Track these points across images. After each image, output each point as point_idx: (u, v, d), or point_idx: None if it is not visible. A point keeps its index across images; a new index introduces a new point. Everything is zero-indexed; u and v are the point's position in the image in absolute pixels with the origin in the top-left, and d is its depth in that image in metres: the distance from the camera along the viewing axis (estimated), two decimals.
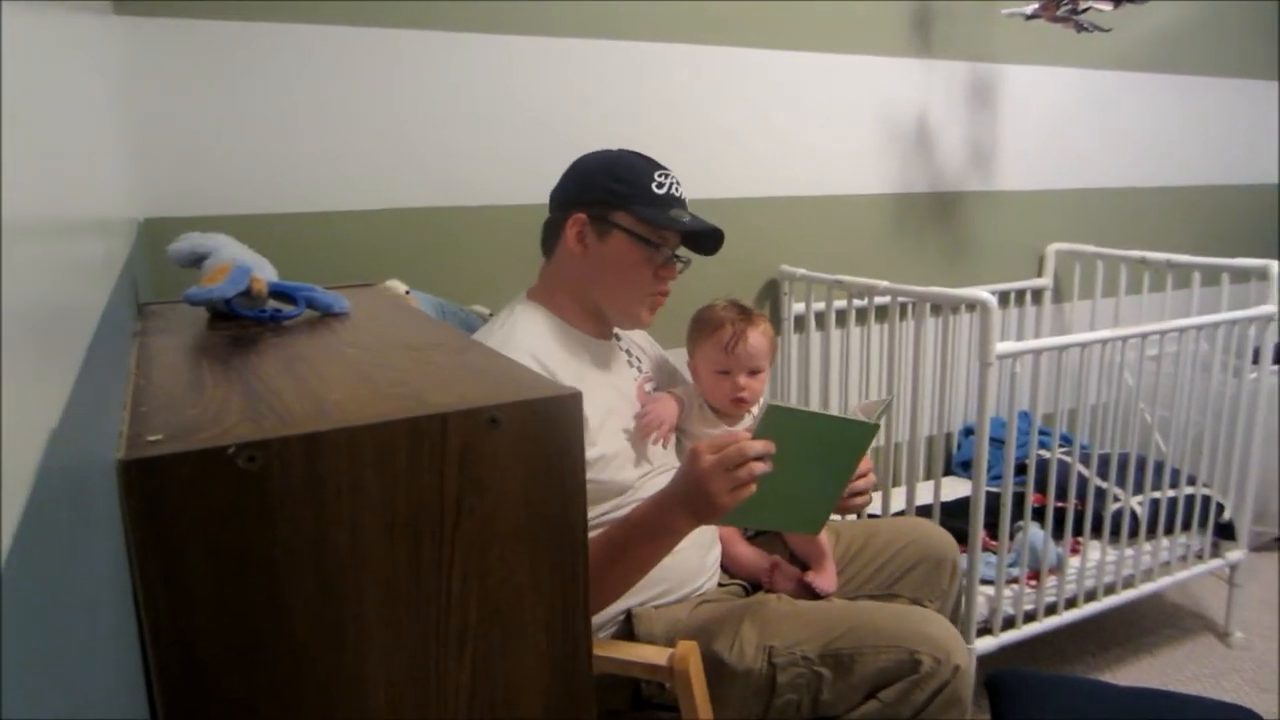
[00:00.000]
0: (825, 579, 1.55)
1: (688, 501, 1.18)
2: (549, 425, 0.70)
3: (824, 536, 1.59)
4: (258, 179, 1.71)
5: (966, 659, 1.36)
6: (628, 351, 1.61)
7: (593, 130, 1.99)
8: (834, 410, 1.28)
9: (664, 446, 1.54)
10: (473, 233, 1.90)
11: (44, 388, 0.46)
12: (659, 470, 1.49)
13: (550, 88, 1.95)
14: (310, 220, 1.76)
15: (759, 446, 1.16)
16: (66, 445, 0.47)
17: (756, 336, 1.59)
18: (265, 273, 1.05)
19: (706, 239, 1.50)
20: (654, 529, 1.24)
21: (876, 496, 2.31)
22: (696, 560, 1.49)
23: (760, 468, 1.16)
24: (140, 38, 1.58)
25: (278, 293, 1.03)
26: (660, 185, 1.45)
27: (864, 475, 1.35)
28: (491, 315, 1.72)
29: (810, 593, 1.54)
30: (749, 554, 1.62)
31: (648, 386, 1.61)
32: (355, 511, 0.64)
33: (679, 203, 1.48)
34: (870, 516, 1.92)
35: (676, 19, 2.05)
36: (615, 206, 1.43)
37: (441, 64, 1.83)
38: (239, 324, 1.01)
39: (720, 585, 1.55)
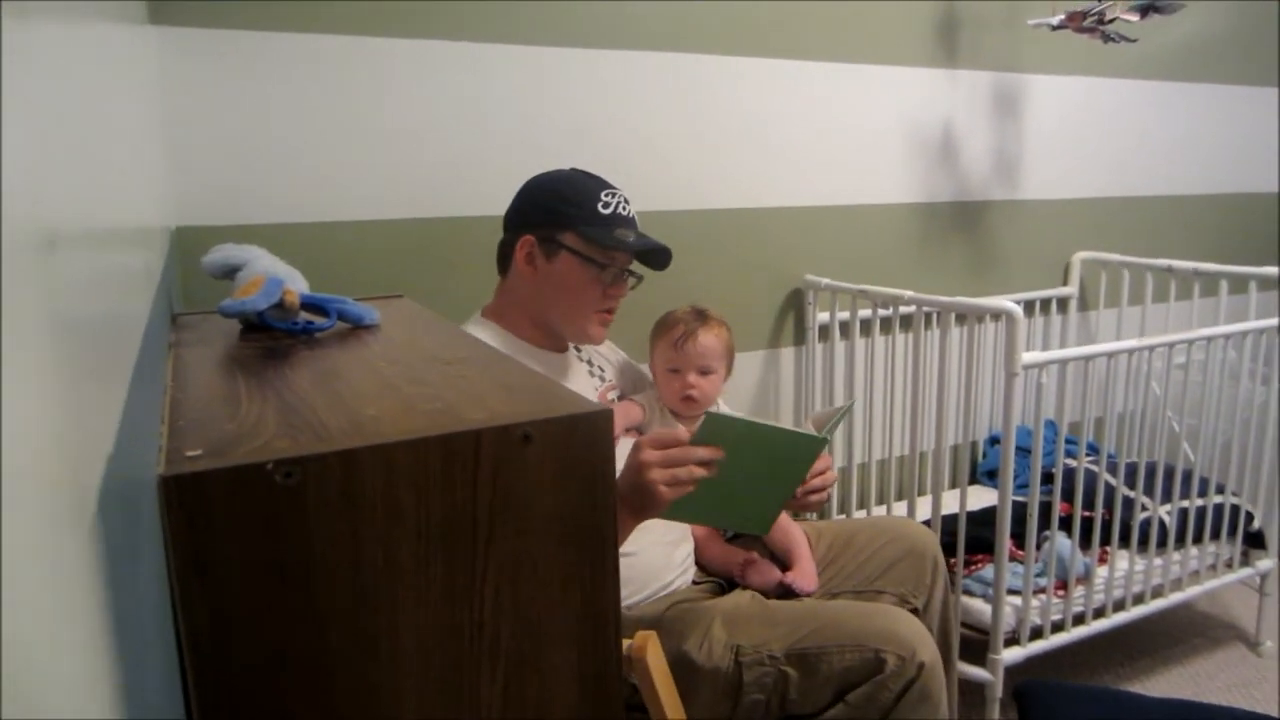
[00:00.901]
0: (804, 578, 1.56)
1: (627, 493, 1.20)
2: (581, 441, 0.70)
3: (801, 535, 1.61)
4: (289, 187, 1.73)
5: (933, 655, 1.36)
6: (589, 362, 1.65)
7: (626, 140, 2.00)
8: (774, 422, 1.28)
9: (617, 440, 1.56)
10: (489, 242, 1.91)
11: (101, 409, 0.48)
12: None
13: (583, 98, 1.96)
14: (340, 229, 1.77)
15: (702, 452, 1.17)
16: (120, 466, 0.49)
17: (707, 336, 1.63)
18: (297, 285, 1.06)
19: (656, 256, 1.52)
20: None
21: (902, 505, 2.32)
22: (662, 557, 1.52)
23: (700, 471, 1.18)
24: (174, 47, 1.61)
25: (310, 305, 1.04)
26: (606, 205, 1.47)
27: (821, 473, 1.35)
28: None
29: (790, 592, 1.55)
30: (725, 552, 1.64)
31: (611, 395, 1.65)
32: (390, 526, 0.65)
33: (626, 221, 1.50)
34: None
35: (700, 29, 2.06)
36: (562, 227, 1.46)
37: (477, 74, 1.84)
38: (271, 336, 1.02)
39: (695, 583, 1.58)
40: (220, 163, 1.67)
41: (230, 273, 1.10)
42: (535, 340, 1.53)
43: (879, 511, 2.34)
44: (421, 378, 0.83)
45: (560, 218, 1.46)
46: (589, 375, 1.62)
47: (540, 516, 0.70)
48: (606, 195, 1.48)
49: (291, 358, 0.93)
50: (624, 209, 1.50)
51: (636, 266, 1.54)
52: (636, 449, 1.20)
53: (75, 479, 0.36)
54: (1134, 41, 2.18)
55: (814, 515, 2.00)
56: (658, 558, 1.51)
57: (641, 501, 1.19)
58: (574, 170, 1.55)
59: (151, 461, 0.62)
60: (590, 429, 0.71)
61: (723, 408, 1.70)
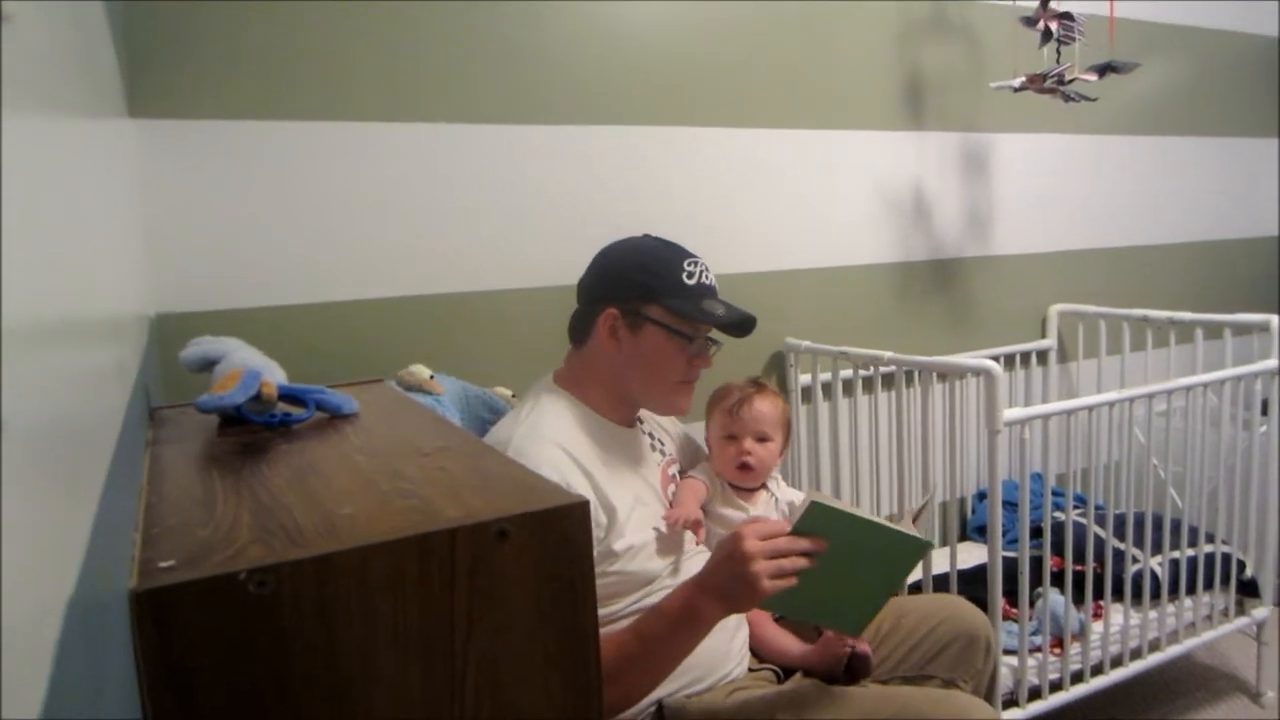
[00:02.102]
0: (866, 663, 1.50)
1: (724, 584, 1.16)
2: (558, 535, 0.70)
3: None
4: (267, 272, 1.74)
5: None
6: (650, 435, 1.61)
7: (600, 213, 2.02)
8: (878, 518, 1.26)
9: (697, 543, 1.51)
10: (490, 316, 1.93)
11: (71, 520, 0.47)
12: (688, 556, 1.48)
13: (559, 174, 1.99)
14: (318, 311, 1.78)
15: (806, 544, 1.15)
16: (89, 579, 0.48)
17: (763, 402, 1.60)
18: (275, 376, 1.06)
19: (741, 324, 1.50)
20: (685, 615, 1.22)
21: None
22: (724, 645, 1.45)
23: (803, 563, 1.15)
24: (152, 138, 1.63)
25: (287, 396, 1.04)
26: (690, 275, 1.45)
27: None
28: (514, 396, 1.73)
29: (847, 675, 1.48)
30: (781, 637, 1.57)
31: (672, 469, 1.60)
32: (366, 631, 0.64)
33: (710, 291, 1.48)
34: (912, 590, 1.89)
35: (674, 104, 2.10)
36: (647, 299, 1.42)
37: (455, 154, 1.87)
38: (249, 429, 1.02)
39: (750, 670, 1.51)
40: (198, 249, 1.68)
41: (208, 366, 1.10)
42: (607, 413, 1.49)
43: None
44: (399, 470, 0.83)
45: (645, 290, 1.42)
46: (651, 450, 1.58)
47: (519, 612, 0.69)
48: (689, 265, 1.45)
49: (269, 453, 0.92)
50: (707, 278, 1.48)
51: (716, 333, 1.52)
52: (737, 539, 1.17)
53: (33, 611, 0.35)
54: (1094, 100, 2.23)
55: None
56: (720, 645, 1.43)
57: (739, 592, 1.16)
58: (650, 238, 1.52)
59: (123, 571, 0.61)
60: (567, 522, 0.71)
61: (783, 488, 1.67)
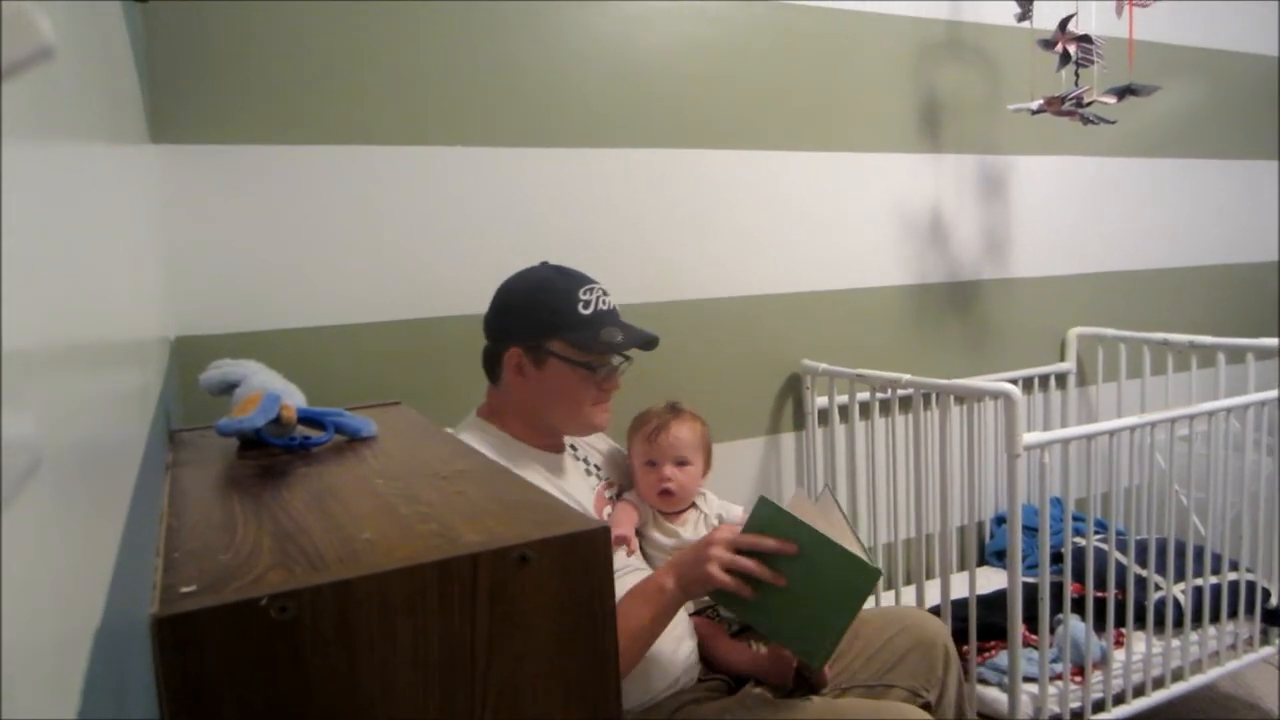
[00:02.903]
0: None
1: (683, 561, 1.28)
2: (578, 559, 0.70)
3: None
4: (286, 295, 1.75)
5: None
6: (585, 460, 1.64)
7: (617, 235, 2.03)
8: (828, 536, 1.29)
9: (629, 553, 1.56)
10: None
11: (99, 548, 0.47)
12: (622, 572, 1.49)
13: (576, 197, 2.00)
14: (335, 333, 1.79)
15: (770, 543, 1.25)
16: (115, 607, 0.48)
17: (680, 427, 1.63)
18: (294, 399, 1.07)
19: (643, 345, 1.53)
20: (645, 586, 1.34)
21: (910, 590, 2.29)
22: (668, 653, 1.48)
23: (752, 564, 1.26)
24: (173, 163, 1.65)
25: (306, 419, 1.05)
26: (586, 304, 1.47)
27: None
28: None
29: (802, 687, 1.51)
30: (732, 649, 1.59)
31: (608, 493, 1.64)
32: (386, 656, 0.64)
33: (609, 317, 1.50)
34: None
35: (689, 127, 2.11)
36: (547, 336, 1.46)
37: (471, 177, 1.89)
38: (269, 452, 1.02)
39: (700, 680, 1.53)
40: (218, 273, 1.70)
41: (228, 389, 1.10)
42: (533, 441, 1.52)
43: (887, 597, 2.30)
44: (418, 495, 0.83)
45: (543, 327, 1.45)
46: (585, 474, 1.61)
47: (539, 637, 0.69)
48: (585, 293, 1.47)
49: (288, 476, 0.92)
50: (604, 303, 1.50)
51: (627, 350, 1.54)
52: (711, 531, 1.29)
53: (66, 633, 0.35)
54: (1113, 123, 2.23)
55: None
56: (665, 652, 1.47)
57: (693, 573, 1.27)
58: (547, 267, 1.54)
59: (145, 596, 0.61)
60: (587, 547, 0.71)
61: (712, 502, 1.69)
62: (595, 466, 1.65)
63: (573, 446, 1.63)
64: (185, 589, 0.62)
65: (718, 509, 1.69)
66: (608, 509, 1.60)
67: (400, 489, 0.85)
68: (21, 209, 0.35)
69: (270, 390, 1.04)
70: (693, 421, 1.66)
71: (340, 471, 0.94)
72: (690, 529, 1.62)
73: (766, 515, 1.26)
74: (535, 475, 1.47)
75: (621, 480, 1.70)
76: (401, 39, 1.81)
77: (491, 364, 1.53)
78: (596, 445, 1.72)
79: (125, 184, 0.98)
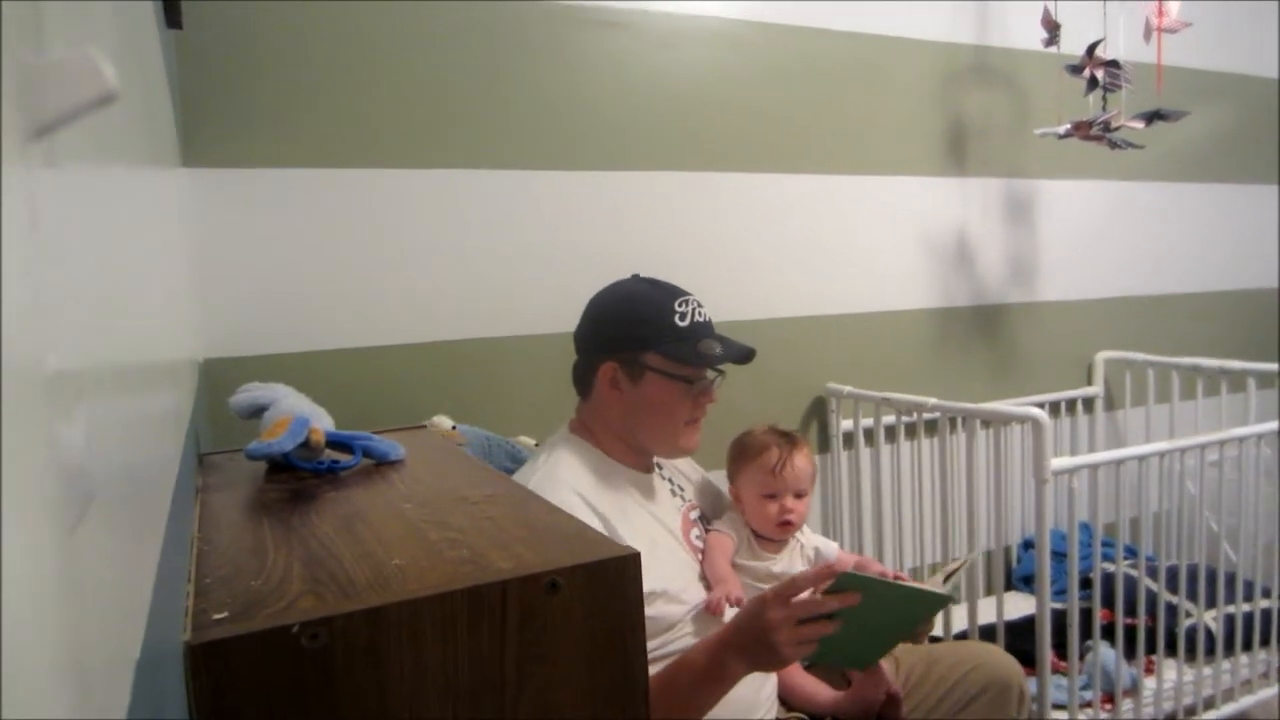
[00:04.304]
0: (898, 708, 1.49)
1: (750, 650, 1.16)
2: (609, 587, 0.69)
3: (883, 663, 1.54)
4: (314, 317, 1.76)
5: None
6: (670, 480, 1.60)
7: (638, 257, 2.02)
8: (905, 580, 1.28)
9: (730, 605, 1.49)
10: (514, 363, 1.93)
11: (138, 576, 0.48)
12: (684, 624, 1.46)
13: (603, 218, 2.01)
14: (362, 355, 1.80)
15: (832, 604, 1.14)
16: (154, 637, 0.48)
17: (801, 459, 1.59)
18: (323, 423, 1.07)
19: (740, 359, 1.49)
20: (712, 673, 1.21)
21: (939, 616, 2.26)
22: (751, 694, 1.43)
23: (828, 628, 1.15)
24: (203, 186, 1.67)
25: (335, 442, 1.05)
26: (683, 316, 1.43)
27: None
28: (537, 445, 1.73)
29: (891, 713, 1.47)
30: (810, 684, 1.55)
31: (693, 514, 1.59)
32: (416, 684, 0.63)
33: (706, 329, 1.46)
34: (931, 640, 1.86)
35: (713, 150, 2.12)
36: (643, 348, 1.41)
37: (493, 200, 1.90)
38: (297, 475, 1.03)
39: (778, 719, 1.50)
40: (246, 295, 1.71)
41: (258, 412, 1.11)
42: (624, 459, 1.48)
43: None
44: (446, 520, 0.83)
45: (640, 340, 1.41)
46: (671, 495, 1.57)
47: (569, 665, 0.69)
48: (680, 305, 1.44)
49: (317, 500, 0.93)
50: (700, 315, 1.46)
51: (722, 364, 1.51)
52: (761, 604, 1.17)
53: (112, 662, 0.35)
54: (1141, 148, 2.21)
55: None
56: (747, 694, 1.40)
57: (764, 658, 1.17)
58: (639, 280, 1.51)
59: (178, 622, 0.61)
60: (618, 574, 0.70)
61: (809, 535, 1.66)
62: (680, 488, 1.60)
63: (659, 465, 1.59)
64: (217, 615, 0.62)
65: (815, 542, 1.65)
66: (694, 531, 1.55)
67: (429, 514, 0.85)
68: (66, 230, 0.35)
69: (299, 414, 1.04)
70: (808, 451, 1.61)
71: (369, 496, 0.94)
72: (786, 559, 1.58)
73: (844, 582, 1.20)
74: (629, 498, 1.44)
75: (706, 508, 1.66)
76: (427, 65, 1.83)
77: (583, 378, 1.49)
78: (684, 470, 1.68)
79: (159, 207, 1.00)
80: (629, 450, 1.49)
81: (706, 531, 1.59)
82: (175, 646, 0.58)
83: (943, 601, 1.24)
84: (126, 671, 0.39)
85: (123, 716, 0.35)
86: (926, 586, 1.24)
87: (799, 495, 1.58)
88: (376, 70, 1.79)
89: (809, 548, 1.62)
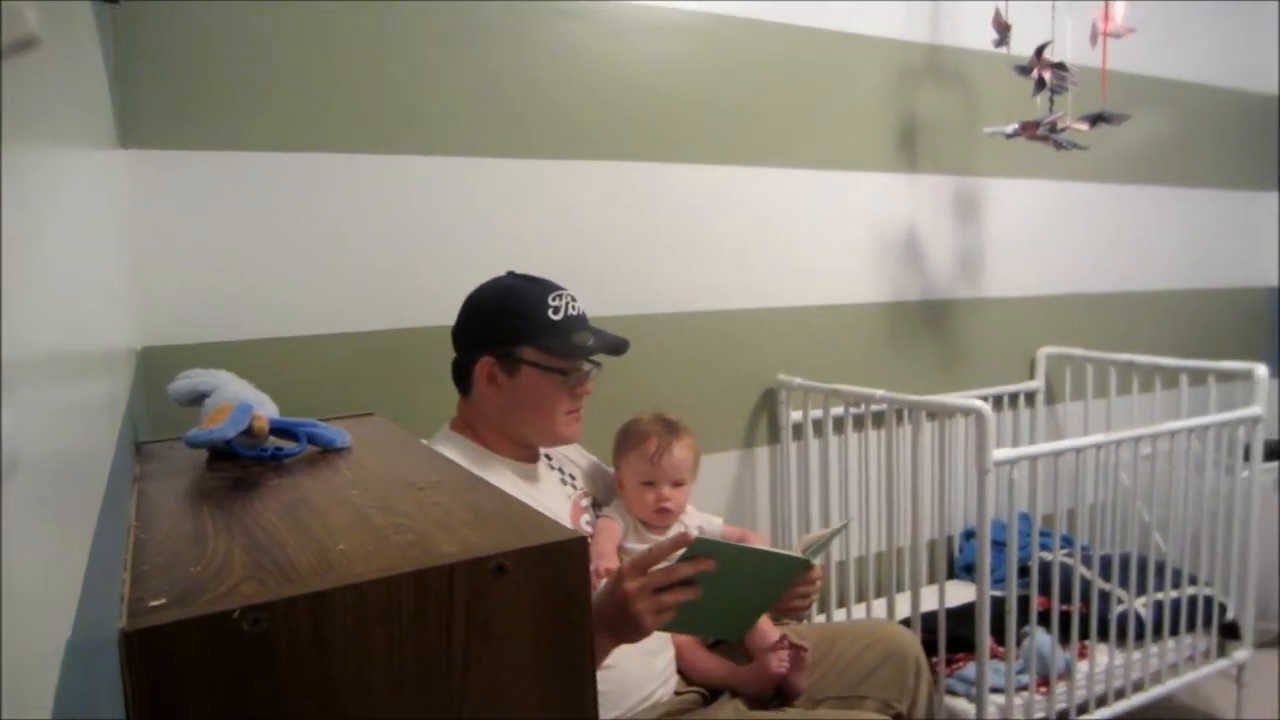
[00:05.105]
0: (800, 674, 1.54)
1: (611, 622, 1.18)
2: (556, 569, 0.70)
3: (775, 634, 1.56)
4: (255, 304, 1.73)
5: None
6: (560, 470, 1.64)
7: (589, 247, 2.03)
8: (763, 545, 1.30)
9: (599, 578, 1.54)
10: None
11: (69, 559, 0.46)
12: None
13: (550, 208, 1.99)
14: (306, 343, 1.77)
15: (685, 569, 1.16)
16: (85, 619, 0.47)
17: (681, 449, 1.62)
18: (267, 409, 1.05)
19: (613, 350, 1.53)
20: None
21: (881, 602, 2.30)
22: (642, 667, 1.48)
23: (686, 594, 1.17)
24: (141, 169, 1.62)
25: (279, 429, 1.03)
26: (556, 310, 1.46)
27: (810, 583, 1.36)
28: None
29: (778, 697, 1.53)
30: (708, 659, 1.61)
31: (584, 502, 1.63)
32: (362, 669, 0.63)
33: (580, 322, 1.49)
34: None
35: (664, 140, 2.12)
36: (518, 343, 1.45)
37: (441, 187, 1.88)
38: (239, 463, 1.01)
39: (677, 693, 1.54)
40: (186, 282, 1.67)
41: (198, 399, 1.09)
42: (507, 452, 1.51)
43: (859, 609, 2.31)
44: (393, 506, 0.82)
45: (514, 334, 1.45)
46: (561, 484, 1.60)
47: (516, 647, 0.68)
48: (554, 299, 1.47)
49: (260, 487, 0.91)
50: (573, 308, 1.49)
51: (597, 355, 1.54)
52: (618, 576, 1.19)
53: (39, 643, 0.35)
54: (1085, 149, 2.27)
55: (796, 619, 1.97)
56: (637, 668, 1.47)
57: (626, 630, 1.18)
58: (514, 276, 1.54)
59: (114, 610, 0.60)
60: (565, 556, 0.70)
61: (692, 514, 1.69)
62: (570, 476, 1.64)
63: (548, 456, 1.62)
64: (154, 602, 0.61)
65: (698, 521, 1.69)
66: (585, 517, 1.59)
67: (375, 500, 0.85)
68: None
69: (242, 401, 1.02)
70: (689, 438, 1.65)
71: (314, 483, 0.93)
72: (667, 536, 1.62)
73: (699, 550, 1.22)
74: (508, 483, 1.45)
75: (599, 494, 1.69)
76: (373, 46, 1.80)
77: (462, 375, 1.52)
78: (575, 459, 1.71)
79: (93, 189, 0.97)
80: (510, 443, 1.52)
81: (597, 518, 1.62)
82: (111, 635, 0.57)
83: (800, 565, 1.27)
84: (55, 653, 0.38)
85: (50, 698, 0.34)
86: (782, 550, 1.27)
87: (677, 484, 1.62)
88: (322, 52, 1.75)
89: (693, 528, 1.67)
